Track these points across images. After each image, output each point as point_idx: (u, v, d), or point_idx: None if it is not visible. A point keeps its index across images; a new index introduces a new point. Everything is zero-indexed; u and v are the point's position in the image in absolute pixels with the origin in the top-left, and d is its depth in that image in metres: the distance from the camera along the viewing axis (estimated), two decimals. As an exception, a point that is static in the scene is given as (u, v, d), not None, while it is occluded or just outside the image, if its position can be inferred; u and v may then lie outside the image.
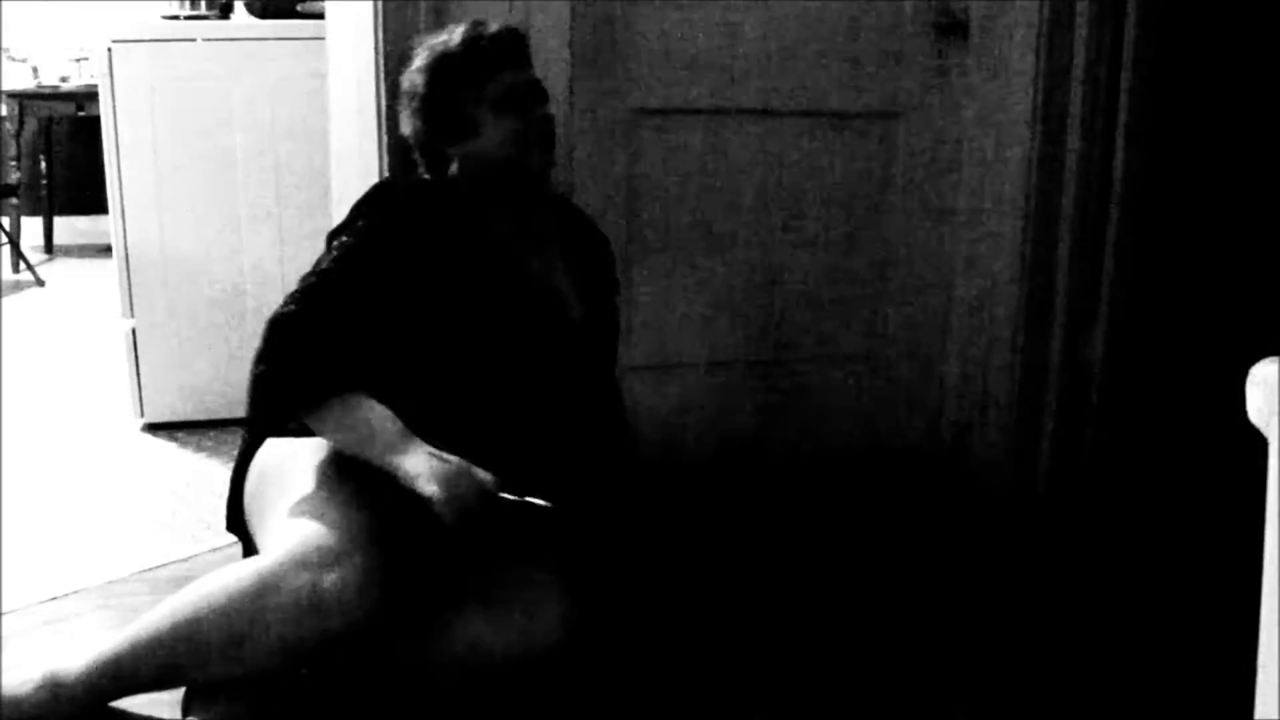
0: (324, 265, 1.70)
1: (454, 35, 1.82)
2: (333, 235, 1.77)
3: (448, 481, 1.54)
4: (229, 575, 1.51)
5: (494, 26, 1.82)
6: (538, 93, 1.82)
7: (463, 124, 1.78)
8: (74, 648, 1.58)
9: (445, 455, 1.57)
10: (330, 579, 1.46)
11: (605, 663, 1.73)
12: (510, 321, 1.76)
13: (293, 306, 1.65)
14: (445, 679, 1.59)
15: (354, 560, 1.47)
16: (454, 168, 1.80)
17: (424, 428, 1.61)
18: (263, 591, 1.46)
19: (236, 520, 1.82)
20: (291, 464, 1.68)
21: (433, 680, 1.58)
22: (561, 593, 1.63)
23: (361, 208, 1.77)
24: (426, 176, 1.85)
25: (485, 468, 1.60)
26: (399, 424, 1.59)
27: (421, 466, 1.55)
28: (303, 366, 1.61)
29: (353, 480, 1.60)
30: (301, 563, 1.47)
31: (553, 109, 1.84)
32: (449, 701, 1.60)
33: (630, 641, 1.82)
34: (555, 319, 1.82)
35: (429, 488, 1.53)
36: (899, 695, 1.76)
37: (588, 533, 1.80)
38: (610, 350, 2.00)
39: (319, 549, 1.48)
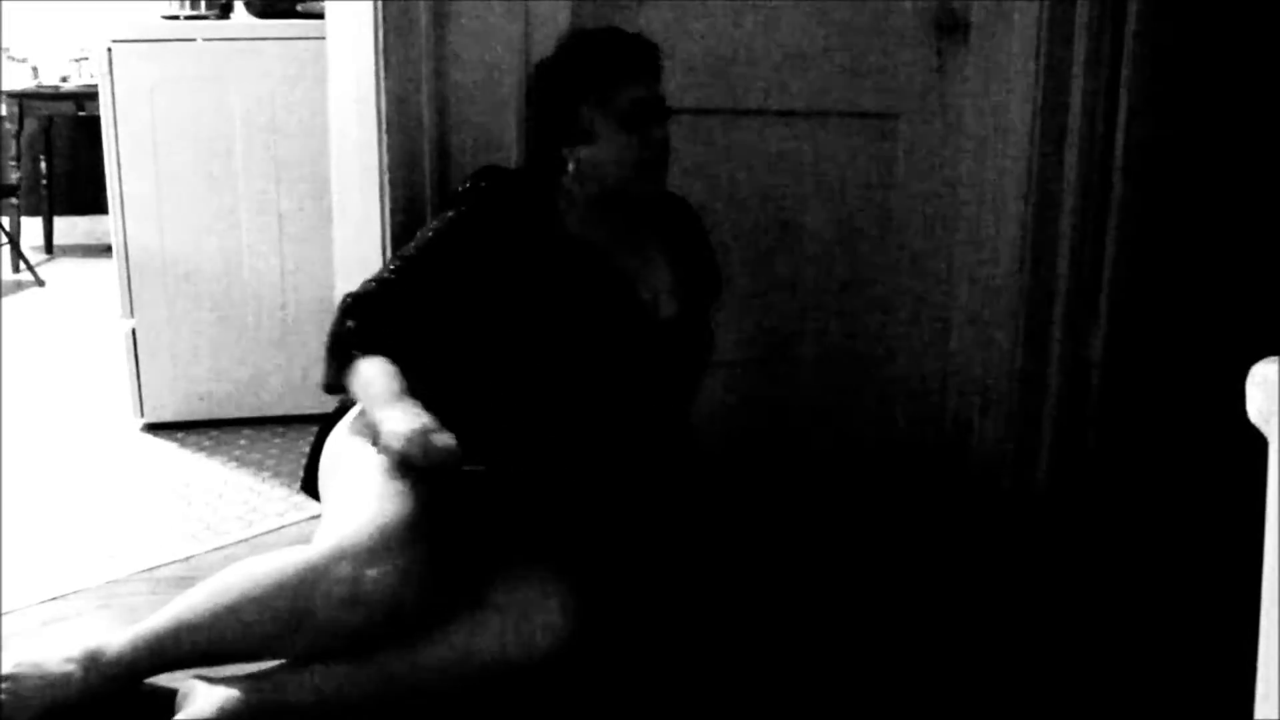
0: (408, 249, 1.81)
1: (592, 36, 1.87)
2: (439, 210, 1.89)
3: (408, 438, 1.58)
4: (277, 561, 1.57)
5: (631, 34, 1.85)
6: (660, 112, 1.85)
7: (579, 129, 1.80)
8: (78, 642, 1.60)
9: (423, 415, 1.62)
10: (371, 574, 1.52)
11: (607, 668, 1.72)
12: (580, 321, 1.81)
13: (371, 284, 1.78)
14: (439, 686, 1.58)
15: (396, 557, 1.53)
16: (570, 168, 1.82)
17: (467, 410, 1.69)
18: (307, 580, 1.53)
19: (311, 483, 1.88)
20: (359, 442, 1.74)
21: (427, 687, 1.58)
22: (561, 596, 1.62)
23: (460, 192, 1.85)
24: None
25: (520, 455, 1.71)
26: (402, 385, 1.66)
27: (394, 422, 1.60)
28: (350, 331, 1.72)
29: (410, 469, 1.64)
30: (346, 555, 1.53)
31: (669, 130, 1.86)
32: (445, 709, 1.59)
33: (633, 644, 1.82)
34: (633, 319, 1.86)
35: (388, 437, 1.59)
36: (898, 696, 1.76)
37: (594, 531, 1.80)
38: (693, 351, 2.00)
39: (364, 543, 1.54)
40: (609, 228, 1.87)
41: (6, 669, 1.59)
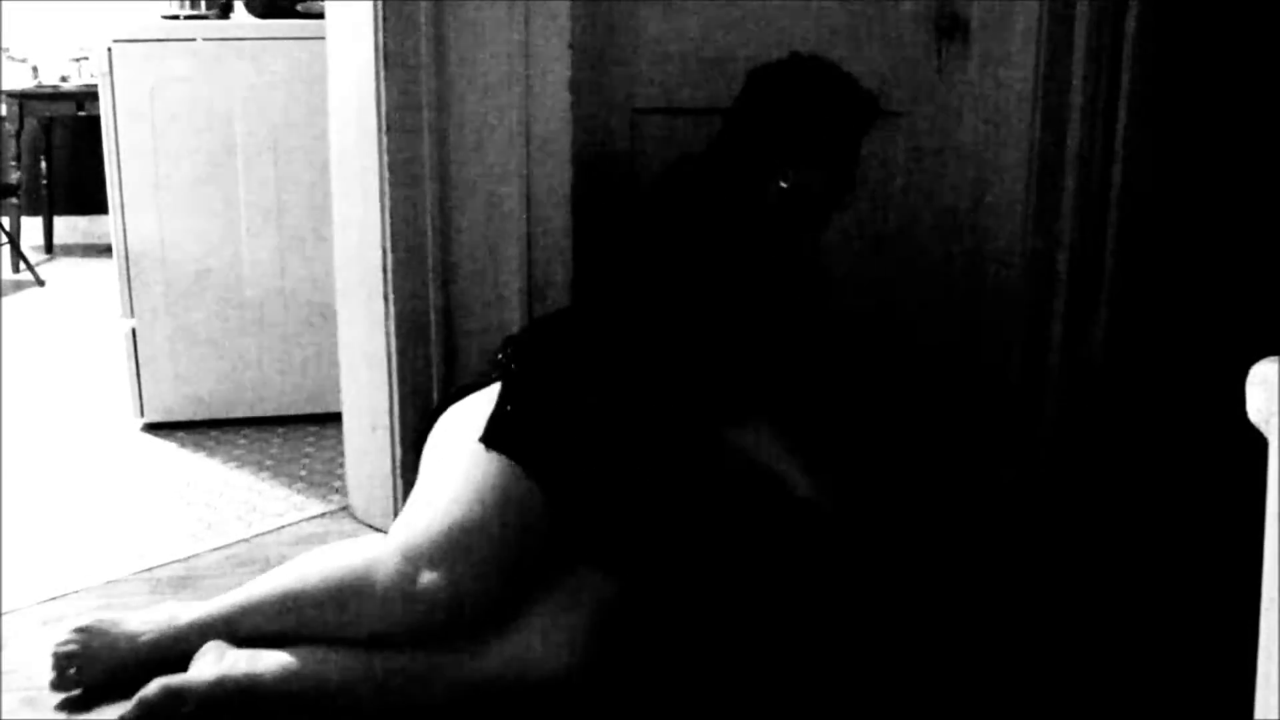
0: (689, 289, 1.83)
1: (844, 78, 1.94)
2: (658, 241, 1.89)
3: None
4: (350, 549, 1.63)
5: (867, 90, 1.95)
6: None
7: (810, 152, 1.90)
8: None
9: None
10: (428, 575, 1.54)
11: (628, 686, 1.69)
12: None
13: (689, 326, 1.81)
14: (449, 700, 1.57)
15: (455, 562, 1.55)
16: (785, 181, 1.90)
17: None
18: (370, 571, 1.57)
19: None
20: (457, 435, 1.74)
21: (438, 703, 1.57)
22: (582, 609, 1.59)
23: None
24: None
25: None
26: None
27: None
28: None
29: (494, 467, 1.65)
30: (408, 553, 1.56)
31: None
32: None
33: (657, 661, 1.78)
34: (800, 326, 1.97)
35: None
36: (902, 702, 1.76)
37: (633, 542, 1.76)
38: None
39: (426, 544, 1.57)
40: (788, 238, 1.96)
41: (84, 621, 1.69)
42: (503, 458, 1.65)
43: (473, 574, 1.54)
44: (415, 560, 1.55)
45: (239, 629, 1.64)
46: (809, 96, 1.89)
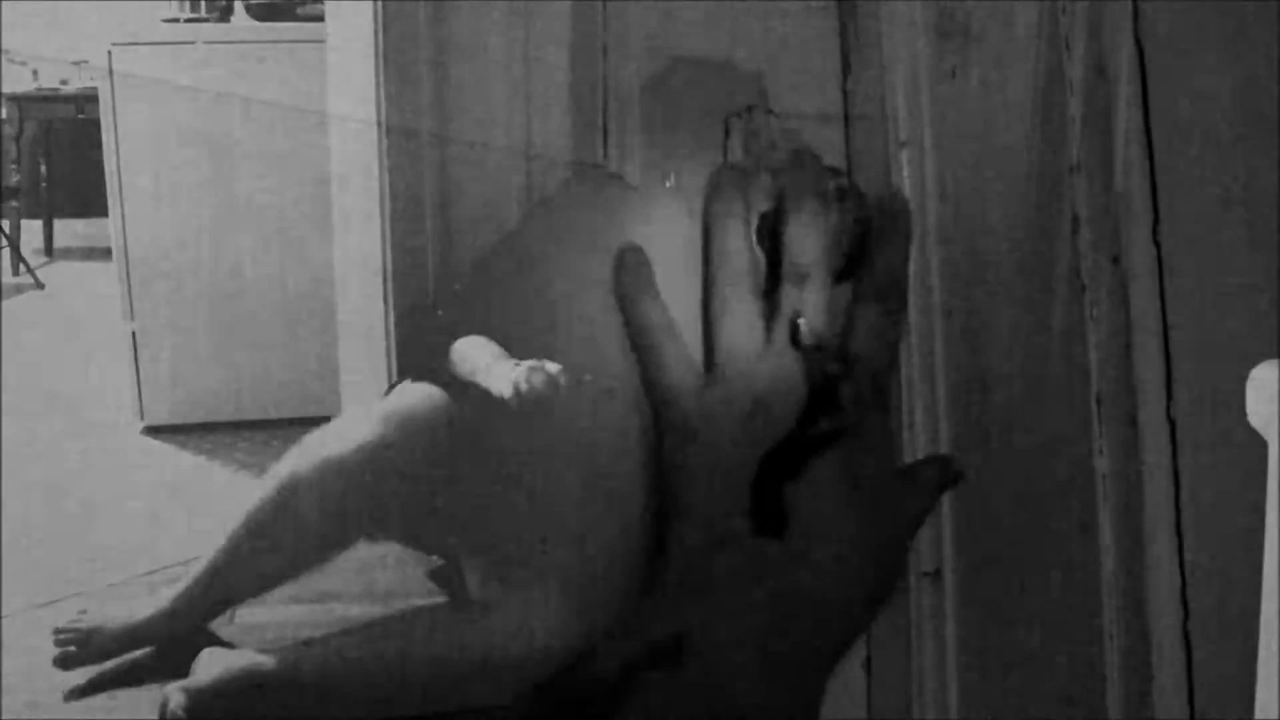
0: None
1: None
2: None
3: (519, 378, 1.68)
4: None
5: None
6: None
7: None
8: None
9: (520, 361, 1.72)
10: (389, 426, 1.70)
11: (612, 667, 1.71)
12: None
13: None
14: (435, 675, 1.59)
15: (401, 427, 1.70)
16: None
17: None
18: (285, 491, 1.75)
19: None
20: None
21: (423, 675, 1.59)
22: (564, 589, 1.62)
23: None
24: None
25: None
26: (496, 349, 1.77)
27: (501, 375, 1.70)
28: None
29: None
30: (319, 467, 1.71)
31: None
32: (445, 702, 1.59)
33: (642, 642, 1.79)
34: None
35: (505, 389, 1.68)
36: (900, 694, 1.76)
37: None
38: None
39: (330, 461, 1.71)
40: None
41: (86, 606, 1.85)
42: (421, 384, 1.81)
43: (368, 480, 1.70)
44: (328, 471, 1.72)
45: (221, 591, 1.78)
46: None
